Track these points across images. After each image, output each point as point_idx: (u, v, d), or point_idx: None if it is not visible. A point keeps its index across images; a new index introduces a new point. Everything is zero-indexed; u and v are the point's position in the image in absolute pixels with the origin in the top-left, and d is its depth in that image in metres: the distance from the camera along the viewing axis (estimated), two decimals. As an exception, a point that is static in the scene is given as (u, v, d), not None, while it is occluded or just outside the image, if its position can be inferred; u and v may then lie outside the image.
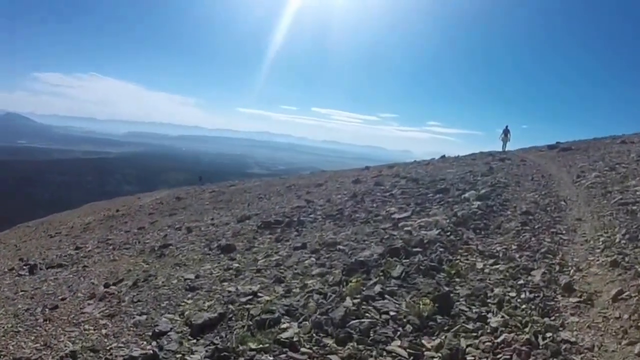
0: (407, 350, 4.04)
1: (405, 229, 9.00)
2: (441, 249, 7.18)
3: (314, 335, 4.27)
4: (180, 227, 13.27)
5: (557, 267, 6.60)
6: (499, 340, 4.23)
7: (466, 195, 12.77)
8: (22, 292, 7.49)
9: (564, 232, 8.37)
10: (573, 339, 4.29)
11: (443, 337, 4.30)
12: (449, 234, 8.31)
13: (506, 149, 27.64)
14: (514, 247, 7.61)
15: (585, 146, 24.36)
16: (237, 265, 7.60)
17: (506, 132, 28.01)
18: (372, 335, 4.24)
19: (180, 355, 4.14)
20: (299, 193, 18.24)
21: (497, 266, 6.68)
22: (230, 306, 5.21)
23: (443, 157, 28.00)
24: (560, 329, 4.54)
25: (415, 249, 7.11)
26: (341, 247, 7.88)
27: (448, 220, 9.15)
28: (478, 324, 4.65)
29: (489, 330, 4.47)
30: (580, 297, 5.31)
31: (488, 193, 13.05)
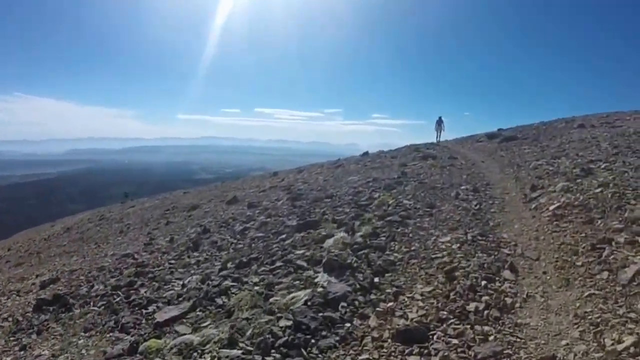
0: None
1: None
2: None
3: None
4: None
5: None
6: None
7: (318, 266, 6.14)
8: None
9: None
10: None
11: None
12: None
13: (440, 139, 25.58)
14: None
15: (534, 133, 18.72)
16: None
17: (439, 122, 26.19)
18: None
19: None
20: (152, 226, 15.16)
21: None
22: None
23: (366, 153, 24.39)
24: None
25: None
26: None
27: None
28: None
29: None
30: None
31: (362, 247, 6.45)
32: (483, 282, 4.71)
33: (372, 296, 4.98)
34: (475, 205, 8.33)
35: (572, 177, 8.49)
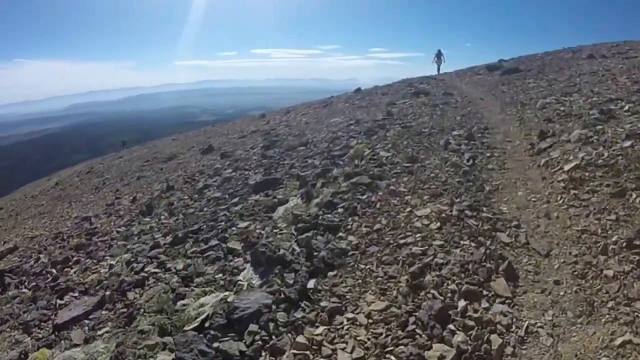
0: None
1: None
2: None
3: None
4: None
5: None
6: None
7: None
8: None
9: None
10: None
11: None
12: None
13: (440, 72, 24.11)
14: None
15: (538, 65, 16.39)
16: None
17: (439, 55, 24.86)
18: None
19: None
20: (125, 181, 14.29)
21: None
22: None
23: (358, 90, 21.91)
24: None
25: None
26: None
27: None
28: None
29: None
30: None
31: (310, 225, 4.82)
32: (461, 302, 3.06)
33: (299, 314, 3.36)
34: (468, 160, 6.53)
35: (589, 122, 6.60)
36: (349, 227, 4.74)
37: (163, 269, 5.55)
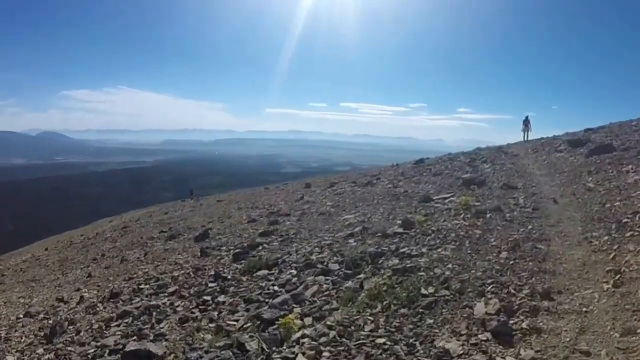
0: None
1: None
2: None
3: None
4: None
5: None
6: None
7: None
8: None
9: None
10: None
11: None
12: None
13: (528, 139, 23.82)
14: None
15: (638, 139, 12.00)
16: None
17: (526, 122, 24.78)
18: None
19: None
20: (109, 261, 13.01)
21: None
22: None
23: (421, 161, 20.28)
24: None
25: None
26: None
27: None
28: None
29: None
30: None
31: None
32: None
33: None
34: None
35: None
36: None
37: None
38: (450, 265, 5.33)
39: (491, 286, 4.60)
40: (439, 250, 6.04)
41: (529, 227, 6.70)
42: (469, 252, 5.78)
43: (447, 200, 9.47)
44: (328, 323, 4.50)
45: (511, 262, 5.14)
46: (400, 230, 7.50)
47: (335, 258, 7.01)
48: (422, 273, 5.23)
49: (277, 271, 7.29)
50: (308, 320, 4.77)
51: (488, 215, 7.58)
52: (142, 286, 8.75)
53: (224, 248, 10.31)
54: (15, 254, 23.70)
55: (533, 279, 4.63)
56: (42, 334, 7.16)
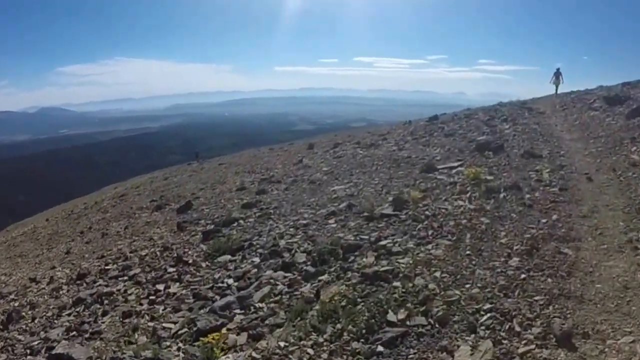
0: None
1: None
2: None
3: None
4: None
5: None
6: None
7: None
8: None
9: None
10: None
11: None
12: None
13: (558, 92, 22.52)
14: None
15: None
16: None
17: (557, 74, 23.13)
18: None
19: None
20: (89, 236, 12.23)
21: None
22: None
23: (435, 117, 18.41)
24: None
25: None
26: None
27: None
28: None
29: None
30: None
31: None
32: None
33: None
34: None
35: None
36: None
37: None
38: (438, 274, 3.95)
39: (488, 315, 3.23)
40: (429, 246, 4.65)
41: (554, 217, 5.20)
42: (467, 252, 4.36)
43: (453, 171, 7.96)
44: (255, 354, 3.26)
45: (523, 276, 3.72)
46: (390, 211, 6.13)
47: (305, 245, 5.82)
48: (398, 284, 3.89)
49: (240, 257, 6.35)
50: (241, 339, 3.72)
51: (502, 196, 6.09)
52: (109, 266, 8.50)
53: (202, 222, 9.40)
54: (21, 225, 23.45)
55: (550, 307, 3.21)
56: (2, 318, 6.71)
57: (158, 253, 8.05)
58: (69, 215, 18.90)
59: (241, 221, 8.18)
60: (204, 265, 6.53)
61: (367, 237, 5.36)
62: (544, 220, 5.13)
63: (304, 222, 6.83)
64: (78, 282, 8.01)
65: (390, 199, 6.64)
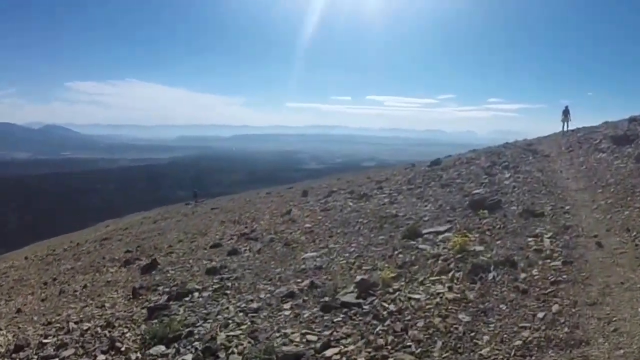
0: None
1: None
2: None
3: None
4: None
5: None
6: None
7: None
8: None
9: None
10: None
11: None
12: None
13: (567, 129, 23.45)
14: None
15: None
16: None
17: (566, 112, 23.88)
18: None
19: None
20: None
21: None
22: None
23: (437, 161, 18.58)
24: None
25: None
26: None
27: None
28: None
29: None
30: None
31: None
32: None
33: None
34: None
35: None
36: None
37: None
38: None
39: None
40: None
41: (554, 307, 4.10)
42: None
43: (440, 237, 6.86)
44: None
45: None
46: (352, 298, 5.01)
47: (244, 344, 4.69)
48: None
49: (173, 351, 5.16)
50: None
51: (491, 276, 4.98)
52: (48, 340, 7.02)
53: (159, 289, 8.24)
54: (4, 258, 22.54)
55: None
56: None
57: (99, 329, 6.89)
58: (44, 258, 17.96)
59: (196, 294, 7.08)
60: (133, 357, 5.42)
61: (315, 338, 4.24)
62: (541, 315, 4.02)
63: (256, 305, 5.73)
64: (14, 355, 6.92)
65: (359, 278, 5.53)
